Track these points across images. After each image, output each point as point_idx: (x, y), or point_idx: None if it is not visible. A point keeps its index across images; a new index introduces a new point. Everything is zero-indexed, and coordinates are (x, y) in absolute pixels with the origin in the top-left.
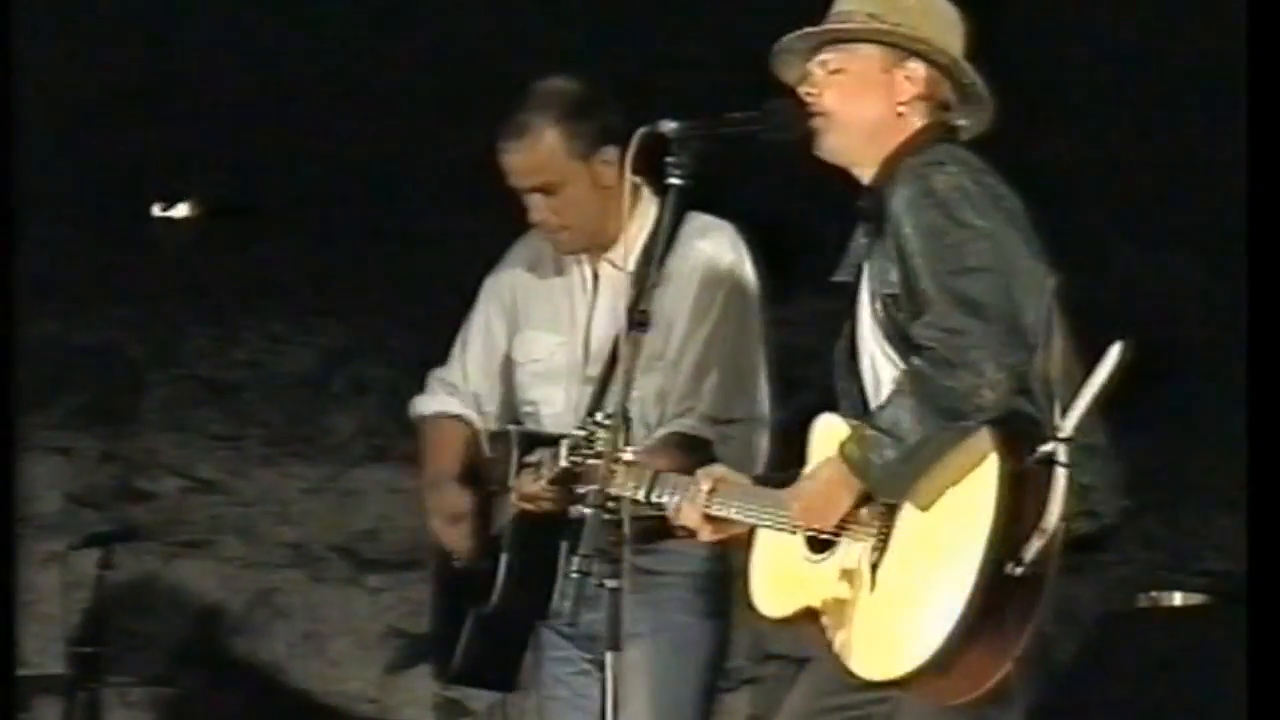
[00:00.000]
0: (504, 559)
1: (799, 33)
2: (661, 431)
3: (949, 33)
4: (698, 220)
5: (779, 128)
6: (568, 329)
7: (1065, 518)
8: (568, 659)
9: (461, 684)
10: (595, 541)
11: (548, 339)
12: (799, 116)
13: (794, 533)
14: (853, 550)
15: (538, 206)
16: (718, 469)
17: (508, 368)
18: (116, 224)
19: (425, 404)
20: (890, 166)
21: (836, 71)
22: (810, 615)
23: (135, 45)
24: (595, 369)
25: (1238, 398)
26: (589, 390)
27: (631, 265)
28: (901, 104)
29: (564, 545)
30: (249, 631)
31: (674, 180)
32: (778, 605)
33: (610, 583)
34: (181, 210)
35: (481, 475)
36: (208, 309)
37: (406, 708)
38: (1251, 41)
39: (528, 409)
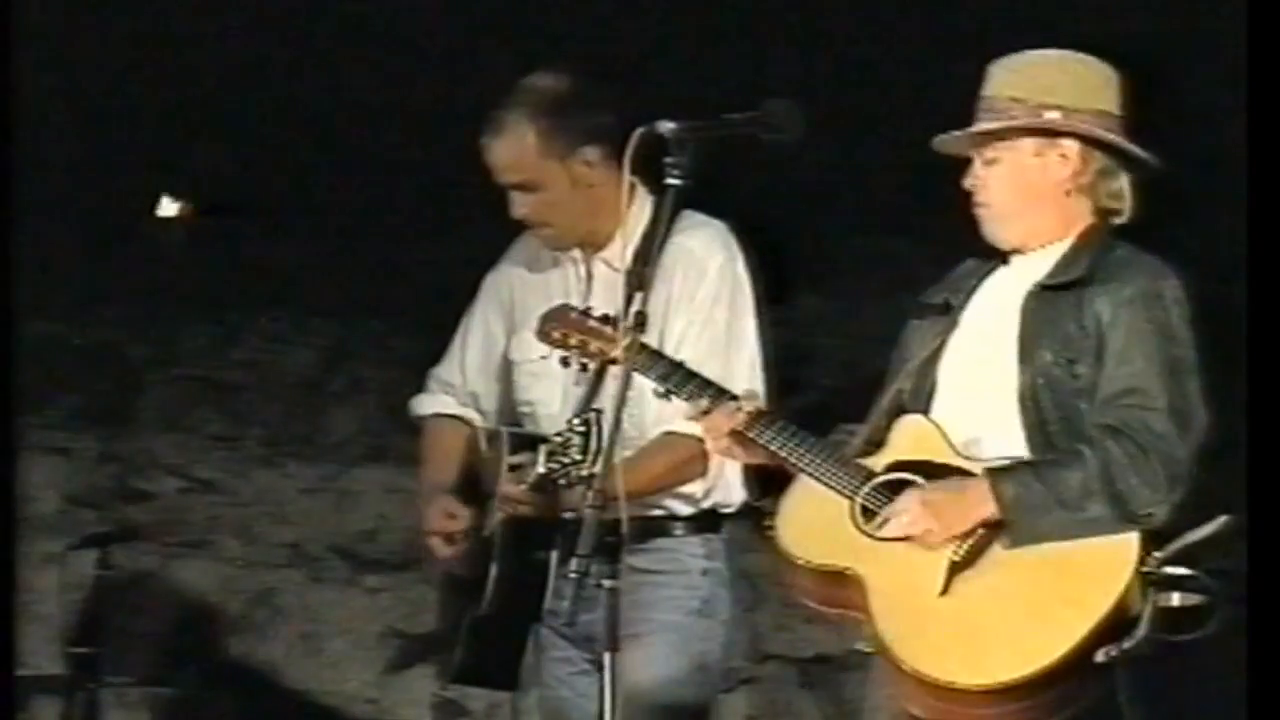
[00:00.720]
0: (494, 563)
1: (944, 136)
2: (655, 432)
3: (1098, 94)
4: (689, 219)
5: (779, 128)
6: None
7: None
8: (568, 659)
9: (463, 683)
10: (593, 541)
11: None
12: (798, 117)
13: (851, 499)
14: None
15: (517, 202)
16: (761, 402)
17: (506, 367)
18: (116, 224)
19: (423, 404)
20: (1090, 249)
21: (992, 161)
22: (843, 579)
23: (135, 46)
24: (591, 368)
25: (1238, 397)
26: (583, 391)
27: (625, 265)
28: (1063, 184)
29: (556, 547)
30: (247, 632)
31: (672, 181)
32: (809, 551)
33: (608, 583)
34: (180, 210)
35: (481, 476)
36: (207, 309)
37: (405, 708)
38: (1252, 40)
39: (525, 409)
